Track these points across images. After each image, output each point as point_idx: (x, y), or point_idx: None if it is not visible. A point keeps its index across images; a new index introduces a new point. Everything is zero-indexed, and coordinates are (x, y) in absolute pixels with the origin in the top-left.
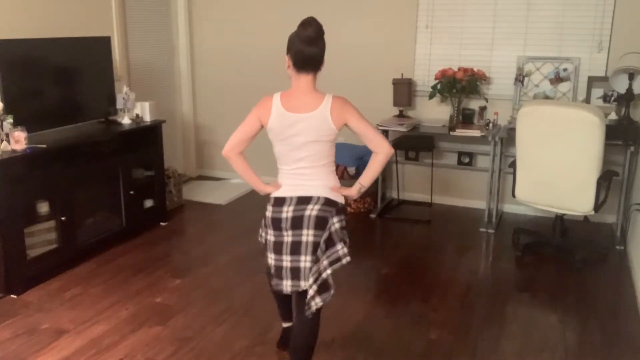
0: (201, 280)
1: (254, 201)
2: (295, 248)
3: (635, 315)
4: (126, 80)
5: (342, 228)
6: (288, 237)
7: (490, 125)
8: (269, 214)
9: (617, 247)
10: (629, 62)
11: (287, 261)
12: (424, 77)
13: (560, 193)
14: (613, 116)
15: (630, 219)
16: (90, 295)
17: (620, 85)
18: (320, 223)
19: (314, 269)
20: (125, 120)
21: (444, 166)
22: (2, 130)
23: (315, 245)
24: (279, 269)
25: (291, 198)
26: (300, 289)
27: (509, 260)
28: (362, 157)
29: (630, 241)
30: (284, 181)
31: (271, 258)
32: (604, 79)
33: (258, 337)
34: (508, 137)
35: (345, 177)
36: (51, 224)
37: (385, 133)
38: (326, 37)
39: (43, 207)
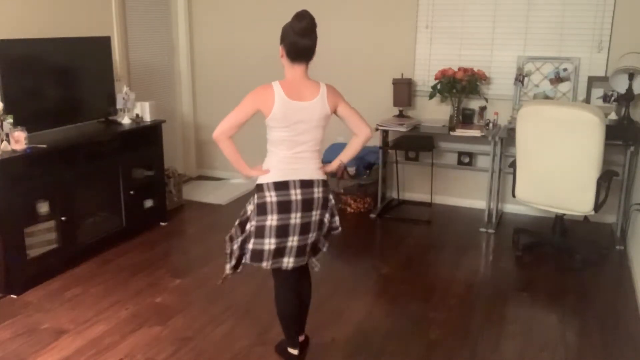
0: (201, 280)
1: None
2: (306, 228)
3: (635, 315)
4: (126, 80)
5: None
6: (297, 219)
7: (490, 125)
8: (271, 199)
9: (617, 247)
10: (629, 62)
11: (293, 241)
12: (424, 77)
13: (560, 193)
14: (613, 116)
15: (630, 219)
16: (90, 295)
17: (620, 85)
18: (324, 203)
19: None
20: (125, 120)
21: (444, 166)
22: (2, 130)
23: (320, 222)
24: (280, 250)
25: (294, 181)
26: (302, 264)
27: (509, 260)
28: (362, 156)
29: (630, 241)
30: (279, 165)
31: (270, 243)
32: (604, 79)
33: (258, 337)
34: (508, 137)
35: (345, 177)
36: (51, 224)
37: (385, 133)
38: (326, 37)
39: (43, 207)
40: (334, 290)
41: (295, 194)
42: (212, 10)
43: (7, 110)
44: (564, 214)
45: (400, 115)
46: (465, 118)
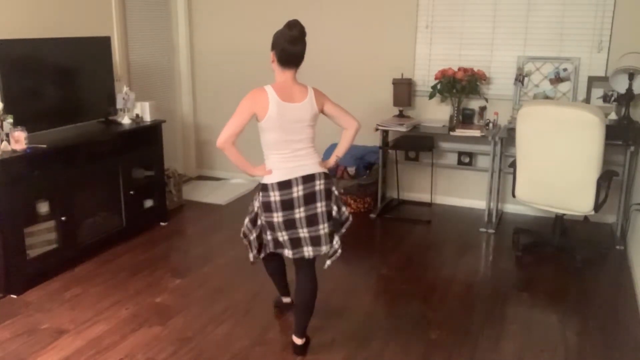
0: (201, 280)
1: None
2: (313, 220)
3: (635, 315)
4: (126, 80)
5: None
6: (301, 212)
7: (490, 125)
8: (275, 198)
9: (617, 247)
10: (629, 62)
11: (304, 232)
12: (424, 77)
13: (560, 193)
14: (613, 116)
15: (630, 219)
16: (90, 295)
17: (620, 85)
18: (327, 194)
19: (329, 231)
20: (125, 120)
21: (444, 166)
22: (2, 130)
23: (329, 214)
24: (296, 240)
25: (296, 179)
26: (321, 253)
27: (509, 260)
28: (362, 156)
29: (630, 241)
30: (280, 165)
31: (282, 235)
32: (604, 79)
33: (258, 337)
34: (508, 137)
35: (345, 177)
36: (51, 224)
37: (385, 133)
38: (326, 37)
39: (43, 207)
40: (334, 290)
41: (298, 191)
42: (212, 10)
43: (7, 110)
44: (564, 214)
45: (400, 115)
46: (465, 118)
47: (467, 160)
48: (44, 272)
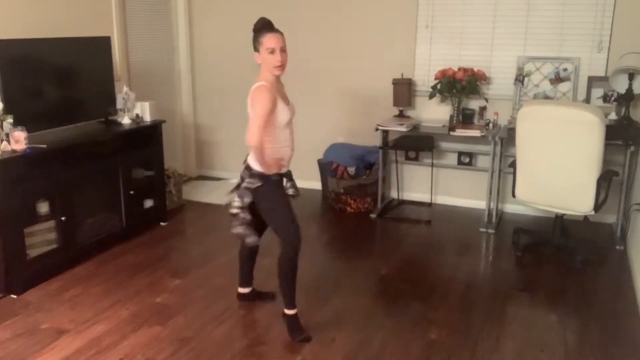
0: (201, 280)
1: None
2: None
3: (635, 315)
4: (126, 80)
5: None
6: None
7: (490, 125)
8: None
9: (617, 247)
10: (629, 62)
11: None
12: (424, 77)
13: (560, 193)
14: (613, 116)
15: (630, 219)
16: (90, 295)
17: (620, 85)
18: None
19: None
20: (125, 120)
21: (444, 166)
22: (2, 130)
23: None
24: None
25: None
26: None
27: (509, 260)
28: (362, 156)
29: (630, 241)
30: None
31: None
32: (604, 79)
33: (258, 337)
34: (508, 137)
35: (345, 177)
36: (51, 224)
37: (385, 133)
38: (326, 37)
39: (43, 207)
40: (334, 290)
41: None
42: (212, 10)
43: (7, 110)
44: (564, 214)
45: (400, 115)
46: (465, 118)
47: (467, 160)
48: (44, 272)
